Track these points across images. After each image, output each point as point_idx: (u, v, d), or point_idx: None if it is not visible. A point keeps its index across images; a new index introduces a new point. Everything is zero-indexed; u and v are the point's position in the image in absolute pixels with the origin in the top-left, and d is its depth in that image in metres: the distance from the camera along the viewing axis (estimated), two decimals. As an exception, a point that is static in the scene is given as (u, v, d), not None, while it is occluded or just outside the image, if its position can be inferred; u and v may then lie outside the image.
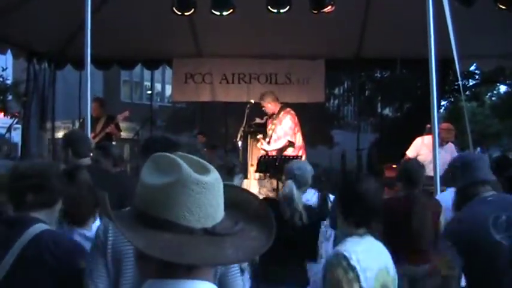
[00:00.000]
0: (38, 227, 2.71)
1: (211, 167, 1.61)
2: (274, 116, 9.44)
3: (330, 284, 2.99)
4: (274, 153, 9.22)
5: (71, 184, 4.31)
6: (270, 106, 9.41)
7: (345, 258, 2.96)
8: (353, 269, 2.93)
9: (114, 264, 2.55)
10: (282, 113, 9.43)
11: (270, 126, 9.48)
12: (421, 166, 5.72)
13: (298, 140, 9.40)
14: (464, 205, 3.66)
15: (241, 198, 1.74)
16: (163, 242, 1.49)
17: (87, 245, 2.96)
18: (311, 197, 5.98)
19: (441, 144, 7.98)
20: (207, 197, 1.54)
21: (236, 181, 5.85)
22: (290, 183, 4.95)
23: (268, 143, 9.31)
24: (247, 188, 6.46)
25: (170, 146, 2.78)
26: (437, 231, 5.05)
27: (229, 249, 1.54)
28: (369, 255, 3.04)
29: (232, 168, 6.03)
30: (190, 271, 1.54)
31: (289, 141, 9.24)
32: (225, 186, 1.63)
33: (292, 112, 9.47)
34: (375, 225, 3.24)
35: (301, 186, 5.12)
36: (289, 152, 9.21)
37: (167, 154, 1.62)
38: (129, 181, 5.44)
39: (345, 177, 3.40)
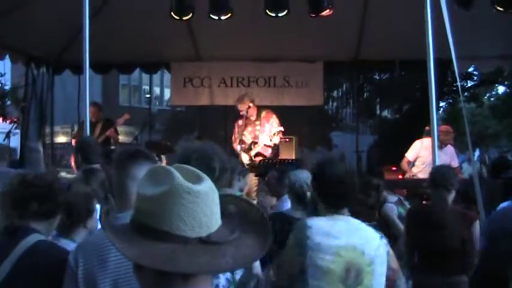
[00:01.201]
0: (34, 237, 2.72)
1: (205, 176, 1.61)
2: (253, 118, 9.47)
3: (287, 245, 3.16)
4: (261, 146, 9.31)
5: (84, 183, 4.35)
6: (247, 107, 9.43)
7: (305, 226, 3.11)
8: (306, 237, 3.07)
9: None
10: (263, 113, 9.49)
11: (249, 130, 9.50)
12: (450, 168, 5.62)
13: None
14: None
15: (238, 207, 1.75)
16: (156, 251, 1.50)
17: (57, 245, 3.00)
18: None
19: (440, 147, 7.98)
20: (200, 206, 1.54)
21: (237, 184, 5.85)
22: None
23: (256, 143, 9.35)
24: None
25: (206, 157, 2.82)
26: (467, 240, 4.96)
27: (224, 258, 1.53)
28: (333, 230, 3.11)
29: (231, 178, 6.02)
30: (187, 281, 1.54)
31: (281, 139, 9.35)
32: (222, 195, 1.63)
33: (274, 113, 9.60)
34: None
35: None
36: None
37: (162, 165, 1.64)
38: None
39: (319, 161, 3.36)
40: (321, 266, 3.04)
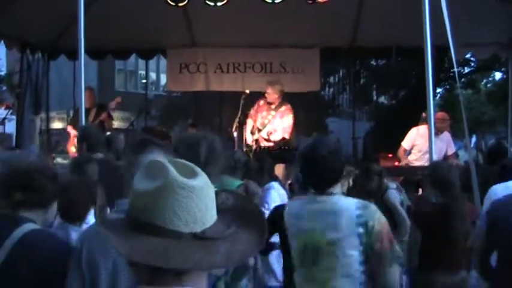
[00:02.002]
0: (27, 227, 2.67)
1: (200, 171, 1.60)
2: (273, 106, 9.41)
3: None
4: (269, 144, 9.24)
5: (79, 175, 4.36)
6: (275, 95, 9.34)
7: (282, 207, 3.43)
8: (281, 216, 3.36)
9: (90, 276, 2.57)
10: (283, 107, 9.40)
11: (263, 114, 9.43)
12: (452, 167, 5.50)
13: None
14: None
15: (234, 202, 1.73)
16: (149, 247, 1.48)
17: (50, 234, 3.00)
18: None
19: (436, 134, 7.96)
20: (194, 201, 1.53)
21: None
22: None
23: (260, 130, 9.30)
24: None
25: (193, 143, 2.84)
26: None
27: (218, 254, 1.52)
28: (302, 212, 3.31)
29: (234, 166, 6.02)
30: (180, 278, 1.52)
31: (283, 137, 9.25)
32: (218, 191, 1.62)
33: (292, 110, 9.49)
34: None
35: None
36: None
37: (157, 159, 1.62)
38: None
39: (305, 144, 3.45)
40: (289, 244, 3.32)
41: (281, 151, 9.02)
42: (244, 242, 1.60)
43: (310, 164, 3.34)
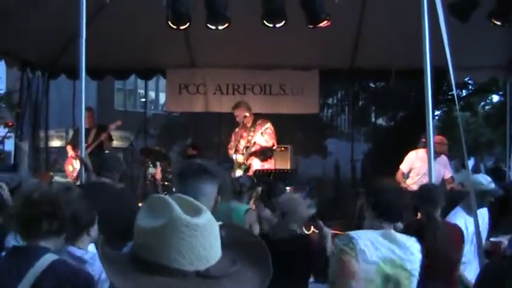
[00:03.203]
0: (49, 257, 2.69)
1: (204, 208, 1.59)
2: (249, 125, 9.54)
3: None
4: (267, 166, 9.32)
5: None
6: (244, 114, 9.49)
7: (351, 239, 3.24)
8: (353, 248, 3.21)
9: None
10: (259, 121, 9.56)
11: (243, 135, 9.57)
12: (437, 187, 5.71)
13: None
14: None
15: (239, 237, 1.72)
16: (154, 286, 1.47)
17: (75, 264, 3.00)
18: None
19: (434, 157, 7.97)
20: (198, 240, 1.52)
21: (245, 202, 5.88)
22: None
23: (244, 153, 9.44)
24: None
25: (203, 172, 2.79)
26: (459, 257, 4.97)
27: None
28: (376, 243, 3.27)
29: (240, 191, 6.03)
30: None
31: (273, 144, 9.53)
32: (222, 225, 1.61)
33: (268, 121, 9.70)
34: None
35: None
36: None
37: (161, 196, 1.60)
38: (132, 199, 5.66)
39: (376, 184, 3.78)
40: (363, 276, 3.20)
41: (281, 173, 9.09)
42: (249, 279, 1.59)
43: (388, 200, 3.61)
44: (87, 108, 10.17)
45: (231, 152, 9.64)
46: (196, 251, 1.51)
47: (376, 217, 3.52)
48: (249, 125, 9.65)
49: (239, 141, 9.55)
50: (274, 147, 9.68)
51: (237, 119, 9.67)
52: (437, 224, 4.90)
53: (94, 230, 3.58)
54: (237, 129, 9.76)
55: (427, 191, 5.33)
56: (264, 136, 9.49)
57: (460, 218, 5.54)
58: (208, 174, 2.69)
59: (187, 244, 1.50)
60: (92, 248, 3.56)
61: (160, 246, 1.50)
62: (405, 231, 5.28)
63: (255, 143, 9.51)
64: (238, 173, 9.19)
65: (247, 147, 9.53)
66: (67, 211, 2.86)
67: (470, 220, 5.51)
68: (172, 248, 1.50)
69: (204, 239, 1.53)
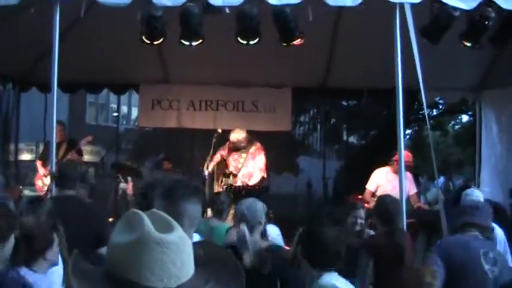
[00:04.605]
0: None
1: (176, 225, 1.57)
2: (243, 145, 9.52)
3: None
4: (239, 183, 9.31)
5: (32, 214, 4.25)
6: (241, 141, 9.48)
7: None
8: None
9: None
10: (253, 147, 9.53)
11: (234, 157, 9.54)
12: (396, 201, 5.80)
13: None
14: None
15: (215, 256, 1.72)
16: None
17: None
18: (276, 235, 5.91)
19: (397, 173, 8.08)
20: (169, 257, 1.50)
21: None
22: (242, 228, 4.61)
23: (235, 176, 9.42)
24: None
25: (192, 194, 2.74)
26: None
27: None
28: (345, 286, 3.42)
29: (221, 209, 5.99)
30: None
31: (263, 177, 9.35)
32: (197, 242, 1.60)
33: (262, 148, 9.65)
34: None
35: (254, 228, 4.70)
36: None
37: (136, 211, 1.59)
38: (104, 213, 5.60)
39: (308, 226, 3.53)
40: None
41: (255, 190, 9.11)
42: None
43: (330, 249, 3.55)
44: (58, 122, 10.05)
45: (206, 166, 9.57)
46: (167, 268, 1.49)
47: (311, 265, 3.52)
48: (243, 144, 9.63)
49: (227, 159, 9.60)
50: (263, 183, 9.60)
51: (231, 140, 9.66)
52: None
53: (52, 253, 3.42)
54: (226, 149, 9.76)
55: (381, 204, 5.53)
56: (254, 169, 9.48)
57: None
58: (197, 196, 2.67)
59: (158, 261, 1.48)
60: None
61: (130, 263, 1.49)
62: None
63: (245, 159, 9.50)
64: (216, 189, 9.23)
65: (234, 175, 9.52)
66: (6, 222, 2.79)
67: None
68: (142, 264, 1.48)
69: (175, 256, 1.51)
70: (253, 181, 9.37)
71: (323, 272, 3.43)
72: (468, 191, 7.26)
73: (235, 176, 9.46)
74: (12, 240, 2.87)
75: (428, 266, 4.28)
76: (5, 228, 2.81)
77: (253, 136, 9.88)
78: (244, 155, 9.50)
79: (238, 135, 9.56)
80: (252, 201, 4.91)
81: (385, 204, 5.64)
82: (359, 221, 6.14)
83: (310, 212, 13.48)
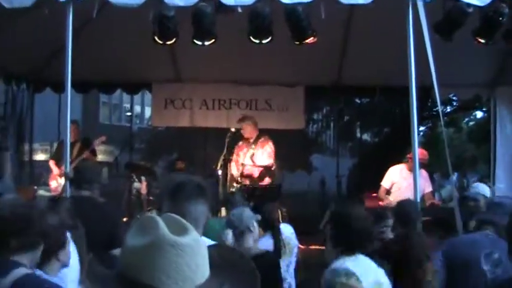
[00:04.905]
0: (18, 272, 2.63)
1: (191, 228, 1.57)
2: (251, 141, 9.56)
3: None
4: (247, 168, 9.39)
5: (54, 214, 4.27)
6: (250, 129, 9.51)
7: (351, 272, 3.21)
8: (360, 281, 3.21)
9: None
10: (261, 138, 9.57)
11: (244, 151, 9.58)
12: (415, 205, 5.76)
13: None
14: None
15: (230, 259, 1.71)
16: None
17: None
18: (290, 234, 5.90)
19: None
20: (184, 259, 1.50)
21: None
22: (226, 234, 4.71)
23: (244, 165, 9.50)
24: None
25: (198, 194, 2.72)
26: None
27: None
28: (363, 270, 3.30)
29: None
30: None
31: (270, 164, 9.44)
32: (213, 245, 1.59)
33: (270, 139, 9.70)
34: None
35: (244, 233, 4.72)
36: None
37: (151, 215, 1.59)
38: (117, 213, 5.62)
39: (335, 208, 3.64)
40: None
41: (265, 188, 9.12)
42: None
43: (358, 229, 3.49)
44: (72, 122, 10.13)
45: (234, 165, 9.66)
46: (182, 271, 1.49)
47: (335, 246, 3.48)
48: (251, 140, 9.69)
49: (238, 154, 9.66)
50: (273, 168, 9.64)
51: (244, 134, 9.76)
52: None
53: (64, 254, 3.38)
54: (240, 142, 9.86)
55: (401, 208, 5.47)
56: (263, 155, 9.54)
57: None
58: (203, 196, 2.65)
59: (172, 264, 1.48)
60: None
61: (145, 266, 1.48)
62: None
63: (253, 154, 9.54)
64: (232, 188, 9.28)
65: (243, 165, 9.56)
66: (40, 227, 2.80)
67: None
68: (157, 267, 1.48)
69: (190, 259, 1.51)
70: (259, 162, 9.43)
71: (344, 255, 3.38)
72: (474, 184, 7.25)
73: (244, 165, 9.51)
74: (41, 244, 2.88)
75: (431, 264, 4.26)
76: (38, 235, 2.82)
77: (265, 134, 9.88)
78: (253, 145, 9.59)
79: (246, 124, 9.72)
80: (240, 209, 5.04)
81: (406, 207, 5.56)
82: (385, 229, 6.08)
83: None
